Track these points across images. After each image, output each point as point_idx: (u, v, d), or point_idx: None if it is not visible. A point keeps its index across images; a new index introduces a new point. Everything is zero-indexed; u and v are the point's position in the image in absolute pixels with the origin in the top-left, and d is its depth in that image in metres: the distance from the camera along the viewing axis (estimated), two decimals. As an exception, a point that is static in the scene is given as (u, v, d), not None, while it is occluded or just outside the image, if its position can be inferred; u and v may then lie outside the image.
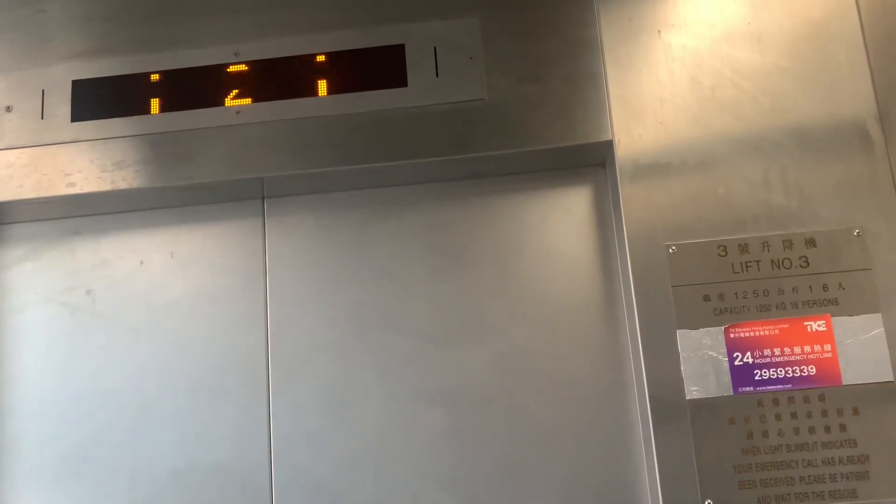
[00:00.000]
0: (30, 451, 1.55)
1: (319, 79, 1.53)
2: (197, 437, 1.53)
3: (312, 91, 1.52)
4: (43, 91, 1.56)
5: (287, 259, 1.61)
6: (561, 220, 1.59)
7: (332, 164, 1.52)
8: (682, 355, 1.36)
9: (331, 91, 1.52)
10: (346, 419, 1.52)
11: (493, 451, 1.49)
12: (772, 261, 1.39)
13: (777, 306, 1.38)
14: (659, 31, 1.50)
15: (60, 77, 1.57)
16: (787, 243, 1.39)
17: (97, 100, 1.54)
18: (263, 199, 1.64)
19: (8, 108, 1.55)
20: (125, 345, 1.59)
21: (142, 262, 1.63)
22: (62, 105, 1.55)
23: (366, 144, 1.51)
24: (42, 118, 1.55)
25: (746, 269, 1.39)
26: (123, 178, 1.52)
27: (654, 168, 1.44)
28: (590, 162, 1.56)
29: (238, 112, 1.53)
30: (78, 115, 1.54)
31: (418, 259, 1.59)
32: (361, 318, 1.57)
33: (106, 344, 1.59)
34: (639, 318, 1.39)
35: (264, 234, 1.62)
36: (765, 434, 1.32)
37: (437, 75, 1.52)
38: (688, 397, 1.35)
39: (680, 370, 1.36)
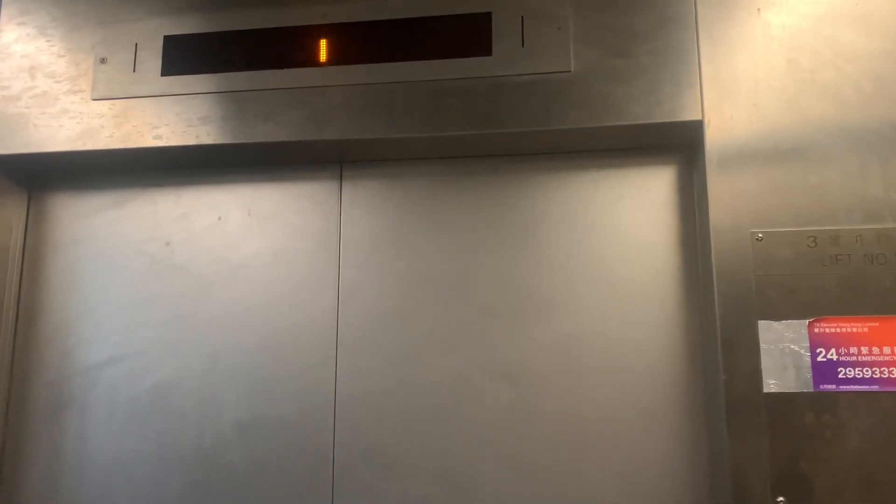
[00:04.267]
0: (102, 392, 1.61)
1: (404, 44, 1.52)
2: (263, 392, 1.56)
3: (396, 56, 1.52)
4: (136, 45, 1.60)
5: (361, 224, 1.61)
6: (639, 200, 1.55)
7: (411, 131, 1.51)
8: (763, 347, 1.31)
9: (415, 57, 1.51)
10: (410, 386, 1.53)
11: (553, 430, 1.48)
12: (864, 255, 1.33)
13: (867, 303, 1.31)
14: (758, 9, 1.43)
15: (153, 32, 1.60)
16: (883, 237, 1.32)
17: (187, 55, 1.57)
18: (341, 162, 1.65)
19: (102, 60, 1.60)
20: (199, 297, 1.63)
21: (220, 218, 1.66)
22: (153, 59, 1.59)
23: (446, 113, 1.50)
24: (134, 71, 1.59)
25: (837, 262, 1.33)
26: (208, 134, 1.54)
27: (745, 151, 1.39)
28: (676, 142, 1.51)
29: (321, 74, 1.53)
30: (168, 69, 1.57)
31: (490, 232, 1.58)
32: (430, 287, 1.57)
33: (181, 294, 1.63)
34: (719, 305, 1.34)
35: (340, 198, 1.63)
36: (844, 435, 1.27)
37: (522, 45, 1.49)
38: (765, 391, 1.30)
39: (759, 362, 1.31)
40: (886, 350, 1.29)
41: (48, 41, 1.64)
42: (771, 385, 1.30)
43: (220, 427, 1.56)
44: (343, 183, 1.64)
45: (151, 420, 1.58)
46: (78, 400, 1.62)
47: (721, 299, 1.34)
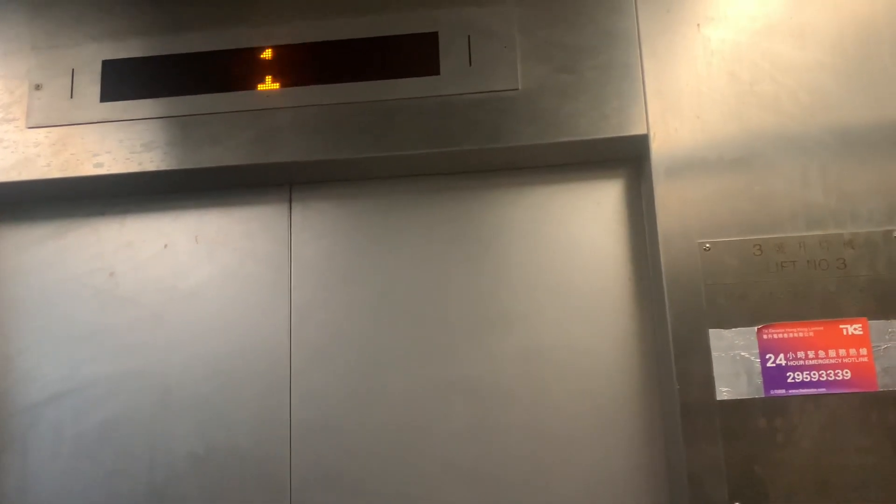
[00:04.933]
0: (48, 430, 1.54)
1: (351, 64, 1.51)
2: (217, 422, 1.52)
3: (344, 77, 1.51)
4: (73, 70, 1.55)
5: (313, 245, 1.59)
6: (592, 213, 1.57)
7: (362, 152, 1.50)
8: (714, 355, 1.34)
9: (363, 77, 1.50)
10: (368, 406, 1.51)
11: (516, 446, 1.48)
12: (808, 261, 1.36)
13: (813, 308, 1.34)
14: (698, 25, 1.47)
15: (91, 56, 1.56)
16: (825, 243, 1.36)
17: (127, 80, 1.53)
18: (291, 184, 1.62)
19: (37, 87, 1.55)
20: (147, 328, 1.58)
21: (166, 246, 1.62)
22: (92, 85, 1.54)
23: (396, 132, 1.49)
24: (71, 97, 1.54)
25: (782, 268, 1.36)
26: (152, 160, 1.50)
27: (690, 163, 1.41)
28: (623, 155, 1.53)
29: (268, 96, 1.51)
30: (108, 95, 1.53)
31: (445, 250, 1.57)
32: (386, 305, 1.55)
33: (128, 327, 1.58)
34: (670, 315, 1.36)
35: (290, 220, 1.61)
36: (796, 438, 1.29)
37: (470, 64, 1.49)
38: (718, 398, 1.32)
39: (711, 370, 1.33)
40: (832, 353, 1.33)
41: (-21, 68, 1.58)
42: (723, 392, 1.32)
43: (172, 461, 1.51)
44: (293, 205, 1.62)
45: (100, 457, 1.52)
46: (19, 440, 1.55)
47: (672, 308, 1.36)
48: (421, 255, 1.57)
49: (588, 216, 1.56)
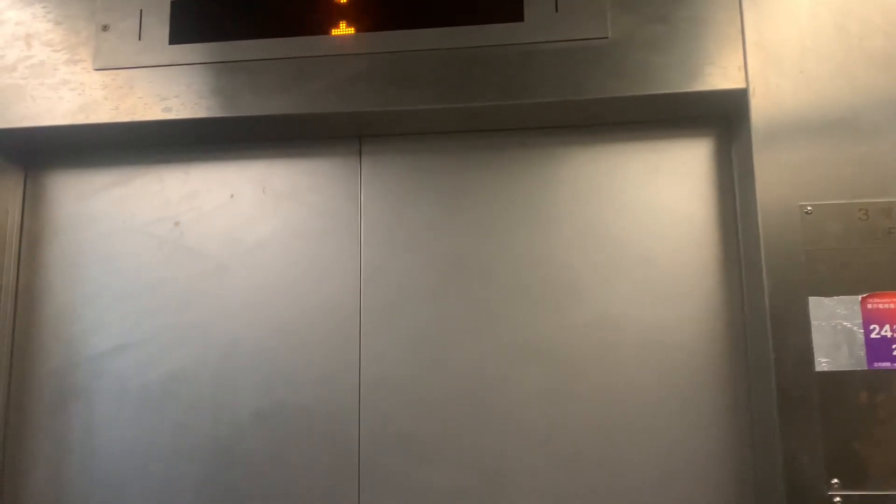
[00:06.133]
0: (113, 381, 1.52)
1: (429, 10, 1.43)
2: (283, 379, 1.48)
3: (422, 22, 1.43)
4: (141, 11, 1.49)
5: (383, 201, 1.53)
6: (675, 174, 1.49)
7: (437, 102, 1.43)
8: (814, 324, 1.26)
9: (442, 23, 1.43)
10: (437, 370, 1.46)
11: (588, 414, 1.42)
12: (917, 228, 1.27)
13: (921, 278, 1.26)
14: (804, -28, 1.37)
15: (159, -3, 1.50)
16: (936, 210, 1.27)
17: (197, 22, 1.47)
18: (360, 137, 1.56)
19: (104, 28, 1.49)
20: (212, 280, 1.54)
21: (232, 196, 1.57)
22: (160, 26, 1.48)
23: (474, 83, 1.42)
24: (139, 39, 1.48)
25: (889, 235, 1.27)
26: (220, 106, 1.45)
27: (792, 121, 1.32)
28: (716, 112, 1.45)
29: (342, 42, 1.44)
30: (176, 37, 1.47)
31: (519, 209, 1.50)
32: (457, 266, 1.49)
33: (193, 278, 1.54)
34: (767, 282, 1.28)
35: (360, 175, 1.55)
36: (899, 414, 1.22)
37: (556, 10, 1.41)
38: (817, 369, 1.25)
39: (810, 340, 1.25)
40: (942, 326, 1.24)
41: (44, 7, 1.53)
42: (823, 364, 1.25)
43: (237, 416, 1.48)
44: (363, 158, 1.56)
45: (164, 410, 1.50)
46: (84, 390, 1.53)
47: (770, 275, 1.28)
48: (494, 215, 1.50)
49: (673, 178, 1.49)
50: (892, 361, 1.24)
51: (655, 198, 1.48)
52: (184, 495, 1.46)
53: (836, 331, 1.26)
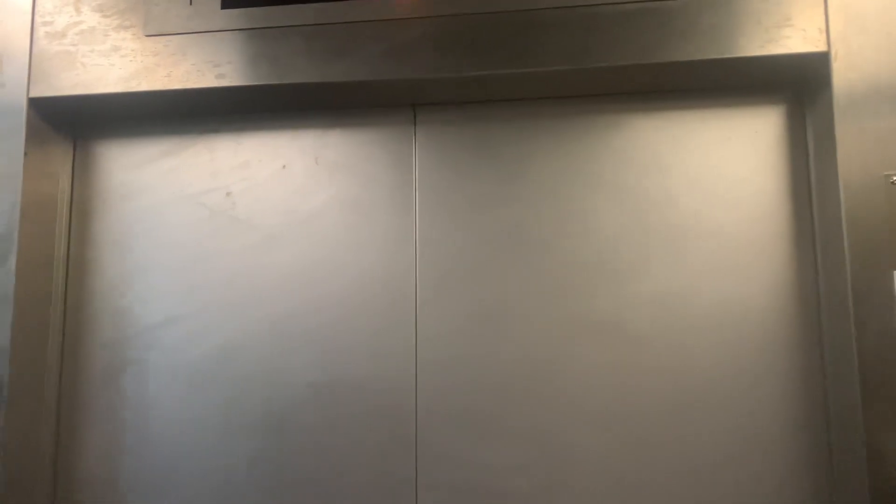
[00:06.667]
0: (162, 355, 1.50)
1: (490, -29, 1.37)
2: (337, 354, 1.45)
3: (483, -16, 1.37)
4: (192, -26, 1.45)
5: (438, 172, 1.49)
6: (746, 143, 1.42)
7: (495, 68, 1.37)
8: (899, 300, 1.20)
9: (504, -16, 1.37)
10: (496, 344, 1.42)
11: (652, 391, 1.38)
12: None
13: None
14: (891, -73, 1.28)
15: (211, -41, 1.45)
16: None
17: (250, -15, 1.43)
18: (415, 105, 1.51)
19: (155, -8, 1.45)
20: (264, 252, 1.51)
21: (284, 167, 1.53)
22: (212, -10, 1.44)
23: (536, 47, 1.36)
24: (191, 3, 1.44)
25: (982, 206, 1.20)
26: (274, 73, 1.41)
27: (877, 86, 1.25)
28: (791, 77, 1.38)
29: (400, 5, 1.39)
30: (229, 1, 1.43)
31: (581, 179, 1.45)
32: (516, 239, 1.45)
33: (244, 249, 1.51)
34: (849, 255, 1.22)
35: (414, 144, 1.50)
36: None
37: (625, -30, 1.34)
38: (903, 347, 1.19)
39: (893, 316, 1.19)
40: None
41: (94, -28, 1.49)
42: (908, 341, 1.19)
43: (290, 391, 1.45)
44: (417, 128, 1.51)
45: (216, 383, 1.48)
46: (136, 363, 1.51)
47: (852, 249, 1.22)
48: (553, 186, 1.45)
49: (744, 147, 1.42)
50: (984, 339, 1.18)
51: (725, 168, 1.42)
52: (237, 469, 1.44)
53: (923, 307, 1.19)
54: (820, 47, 1.28)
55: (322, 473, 1.42)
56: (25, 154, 1.44)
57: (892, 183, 1.23)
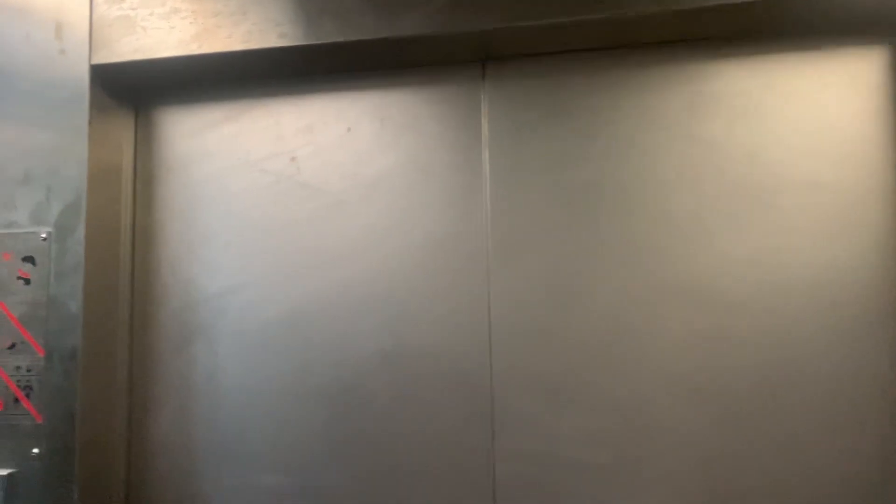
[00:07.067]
0: (231, 321, 1.49)
1: (565, -89, 1.28)
2: (407, 320, 1.41)
3: (557, -75, 1.28)
4: (250, -71, 1.39)
5: (509, 129, 1.42)
6: (847, 88, 1.31)
7: (571, 14, 1.28)
8: None
9: (580, -75, 1.27)
10: (574, 310, 1.36)
11: (743, 358, 1.30)
12: None
13: None
14: None
15: (269, -88, 1.39)
16: None
17: (310, -62, 1.36)
18: (484, 61, 1.44)
19: (213, -50, 1.40)
20: (331, 217, 1.47)
21: (349, 129, 1.49)
22: (271, -55, 1.38)
23: (613, -8, 1.27)
24: (250, -40, 1.39)
25: None
26: (338, 29, 1.35)
27: None
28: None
29: (466, -48, 1.31)
30: (289, -45, 1.37)
31: (664, 131, 1.36)
32: (594, 198, 1.37)
33: (311, 215, 1.48)
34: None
35: (483, 101, 1.44)
36: None
37: None
38: None
39: None
40: None
41: (151, -69, 1.45)
42: None
43: (360, 357, 1.43)
44: (486, 84, 1.44)
45: (286, 349, 1.46)
46: (206, 330, 1.50)
47: (971, 201, 1.12)
48: (634, 140, 1.37)
49: (843, 92, 1.31)
50: None
51: (822, 116, 1.32)
52: (309, 435, 1.43)
53: None
54: (936, -21, 1.16)
55: (394, 441, 1.40)
56: (89, 123, 1.42)
57: None
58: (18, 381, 1.37)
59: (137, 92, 1.57)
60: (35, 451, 1.34)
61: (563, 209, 1.38)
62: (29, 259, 1.40)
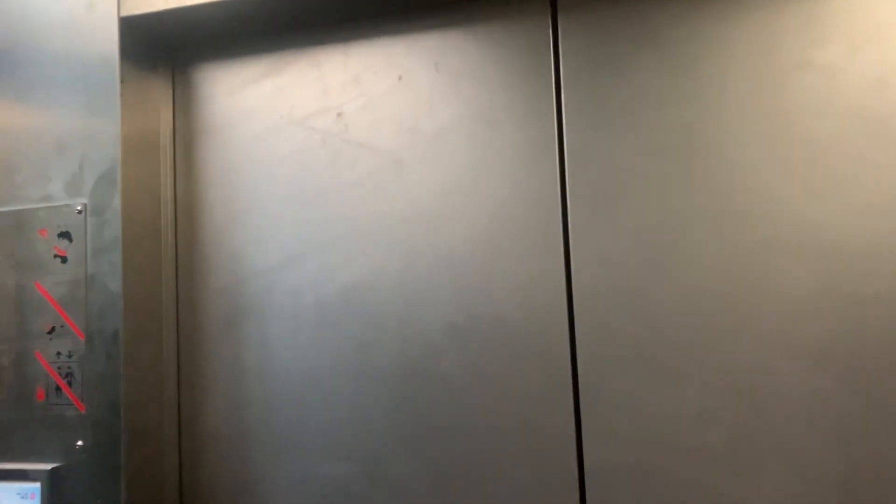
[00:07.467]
0: (287, 297, 1.36)
1: None
2: (477, 290, 1.26)
3: None
4: None
5: (586, 73, 1.24)
6: None
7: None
8: None
9: None
10: (669, 273, 1.19)
11: (877, 321, 1.10)
12: None
13: None
14: None
15: None
16: None
17: None
18: (554, -10, 1.26)
19: None
20: (387, 178, 1.32)
21: (400, 78, 1.33)
22: None
23: None
24: None
25: None
26: (387, -38, 1.18)
27: None
28: None
29: None
30: None
31: (772, 64, 1.17)
32: (686, 145, 1.19)
33: (364, 177, 1.33)
34: None
35: (555, 41, 1.26)
36: None
37: None
38: None
39: None
40: None
41: None
42: None
43: (427, 333, 1.28)
44: (559, 20, 1.26)
45: (344, 328, 1.32)
46: (256, 308, 1.38)
47: None
48: (734, 75, 1.18)
49: None
50: None
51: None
52: (373, 420, 1.30)
53: None
54: None
55: (467, 423, 1.26)
56: (122, 81, 1.29)
57: None
58: (59, 368, 1.27)
59: (173, 47, 1.44)
60: (80, 443, 1.25)
61: (655, 158, 1.20)
62: (65, 235, 1.29)
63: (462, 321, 1.27)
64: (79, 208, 1.29)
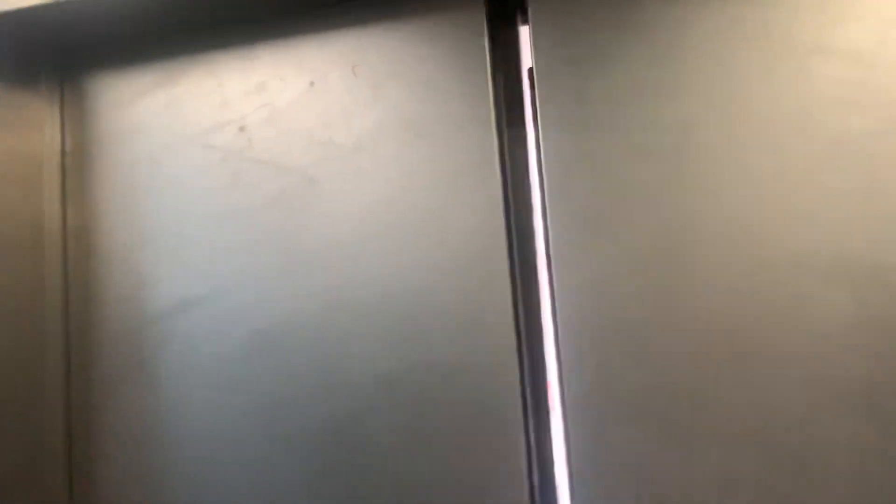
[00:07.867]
0: (184, 346, 1.13)
1: None
2: (415, 334, 1.06)
3: None
4: None
5: (562, 64, 1.03)
6: None
7: None
8: None
9: None
10: (675, 301, 0.97)
11: None
12: None
13: None
14: None
15: None
16: None
17: None
18: (487, -29, 1.05)
19: None
20: (300, 200, 1.11)
21: (312, 84, 1.12)
22: None
23: None
24: None
25: None
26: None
27: None
28: None
29: None
30: None
31: (781, 48, 0.97)
32: (687, 147, 0.99)
33: (273, 200, 1.12)
34: None
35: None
36: None
37: None
38: None
39: None
40: None
41: None
42: None
43: (354, 386, 1.07)
44: (528, 6, 1.05)
45: (253, 382, 1.10)
46: (147, 362, 1.15)
47: None
48: (740, 62, 0.98)
49: None
50: None
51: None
52: (289, 493, 1.07)
53: None
54: None
55: (403, 498, 1.03)
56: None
57: None
58: None
59: (59, 53, 1.22)
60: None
61: (645, 161, 0.99)
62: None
63: (395, 372, 1.05)
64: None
